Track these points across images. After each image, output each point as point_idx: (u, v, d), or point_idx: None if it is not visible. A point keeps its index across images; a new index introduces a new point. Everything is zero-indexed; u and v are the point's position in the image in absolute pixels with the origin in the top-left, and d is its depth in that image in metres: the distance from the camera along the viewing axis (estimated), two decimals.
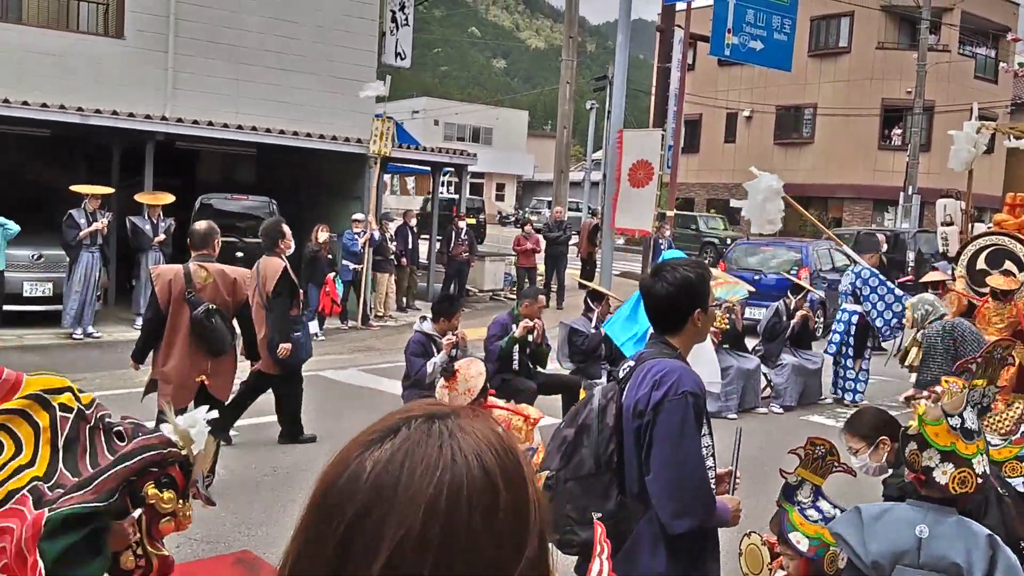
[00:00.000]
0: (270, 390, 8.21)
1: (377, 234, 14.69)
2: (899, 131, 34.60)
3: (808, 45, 34.76)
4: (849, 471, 3.96)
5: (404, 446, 0.94)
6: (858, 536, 3.09)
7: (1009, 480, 4.06)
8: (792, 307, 11.29)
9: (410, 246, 16.71)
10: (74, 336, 12.15)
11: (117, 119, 13.40)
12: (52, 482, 2.81)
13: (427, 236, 18.73)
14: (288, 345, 7.75)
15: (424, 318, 8.02)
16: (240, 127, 14.67)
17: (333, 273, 13.61)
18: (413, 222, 17.12)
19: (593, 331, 9.08)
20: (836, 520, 3.31)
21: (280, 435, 8.21)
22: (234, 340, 6.53)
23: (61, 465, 2.90)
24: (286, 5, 15.75)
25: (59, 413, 2.92)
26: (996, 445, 4.57)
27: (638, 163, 12.71)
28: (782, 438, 8.54)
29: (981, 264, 9.33)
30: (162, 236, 12.74)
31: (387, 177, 27.18)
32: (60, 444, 2.91)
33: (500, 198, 55.58)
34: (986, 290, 9.08)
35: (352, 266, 14.53)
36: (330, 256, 13.68)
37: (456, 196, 23.35)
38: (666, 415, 2.92)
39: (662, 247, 15.65)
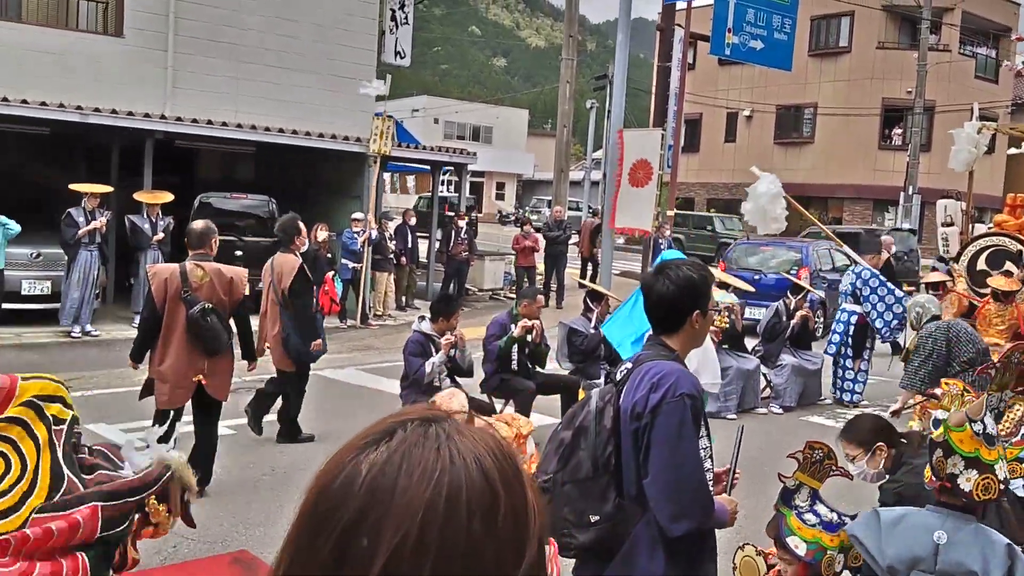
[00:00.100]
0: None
1: (376, 233, 14.67)
2: (899, 131, 34.60)
3: (808, 44, 34.75)
4: (846, 475, 3.94)
5: (401, 448, 0.92)
6: (875, 540, 3.07)
7: (1010, 482, 4.05)
8: (792, 307, 11.27)
9: (409, 245, 16.70)
10: (72, 334, 12.14)
11: (116, 118, 13.39)
12: (62, 490, 2.87)
13: (426, 234, 18.70)
14: (319, 341, 7.98)
15: (423, 318, 8.01)
16: (239, 126, 14.65)
17: (332, 272, 13.58)
18: (413, 221, 17.11)
19: (592, 331, 9.06)
20: (853, 522, 3.29)
21: (279, 434, 8.20)
22: (230, 339, 6.51)
23: (67, 472, 2.94)
24: (286, 4, 15.73)
25: (53, 426, 2.96)
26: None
27: (638, 162, 12.69)
28: (781, 439, 8.53)
29: (981, 265, 9.33)
30: (161, 235, 12.72)
31: (387, 176, 27.18)
32: (60, 455, 2.94)
33: (500, 197, 55.54)
34: (986, 291, 9.08)
35: (351, 265, 14.52)
36: (329, 255, 13.66)
37: (456, 195, 23.35)
38: (664, 417, 2.91)
39: (662, 247, 15.63)
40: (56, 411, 2.97)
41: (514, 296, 15.63)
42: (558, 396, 8.79)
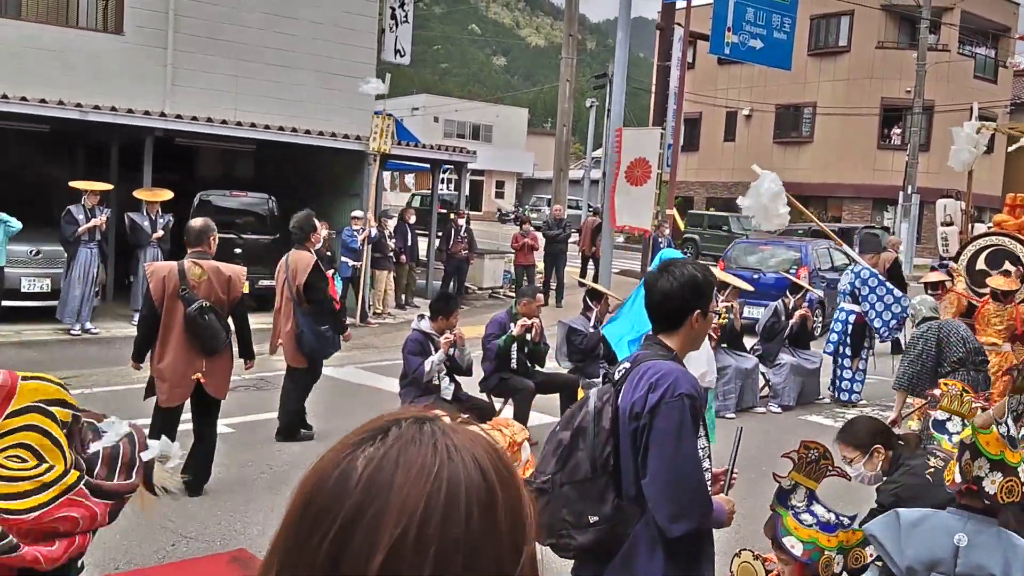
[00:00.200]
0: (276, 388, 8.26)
1: (375, 231, 14.66)
2: (898, 130, 34.61)
3: (808, 44, 34.75)
4: (843, 475, 3.94)
5: (397, 444, 0.91)
6: (895, 540, 3.07)
7: None
8: (791, 307, 11.27)
9: (409, 243, 16.69)
10: (72, 332, 12.13)
11: (116, 115, 13.38)
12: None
13: (423, 231, 18.69)
14: (349, 332, 8.38)
15: (422, 316, 8.01)
16: (239, 123, 14.64)
17: (332, 270, 13.55)
18: (412, 219, 17.10)
19: (592, 330, 9.05)
20: (872, 522, 3.28)
21: (277, 432, 8.20)
22: (229, 338, 6.50)
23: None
24: (286, 2, 15.72)
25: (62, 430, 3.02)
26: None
27: (636, 161, 12.68)
28: (780, 438, 8.53)
29: (981, 264, 9.33)
30: (160, 232, 12.71)
31: (386, 174, 27.14)
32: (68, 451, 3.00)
33: (500, 195, 55.50)
34: (986, 290, 9.08)
35: (351, 263, 14.51)
36: (329, 253, 13.64)
37: (456, 193, 23.31)
38: (663, 418, 2.90)
39: (661, 245, 15.64)
40: (61, 415, 2.98)
41: (513, 294, 15.63)
42: (557, 395, 8.79)
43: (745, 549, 3.96)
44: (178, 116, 14.05)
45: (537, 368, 8.70)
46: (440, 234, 18.40)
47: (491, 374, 8.36)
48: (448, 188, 35.71)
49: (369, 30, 17.08)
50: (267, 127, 14.83)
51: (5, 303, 12.05)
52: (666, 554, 2.97)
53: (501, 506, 0.90)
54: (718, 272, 11.05)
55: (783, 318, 11.13)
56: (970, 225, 11.43)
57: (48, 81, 13.37)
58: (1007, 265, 9.12)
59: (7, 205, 11.54)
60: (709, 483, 3.07)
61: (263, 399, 9.68)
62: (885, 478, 4.25)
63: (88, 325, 12.25)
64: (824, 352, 11.44)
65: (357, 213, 14.62)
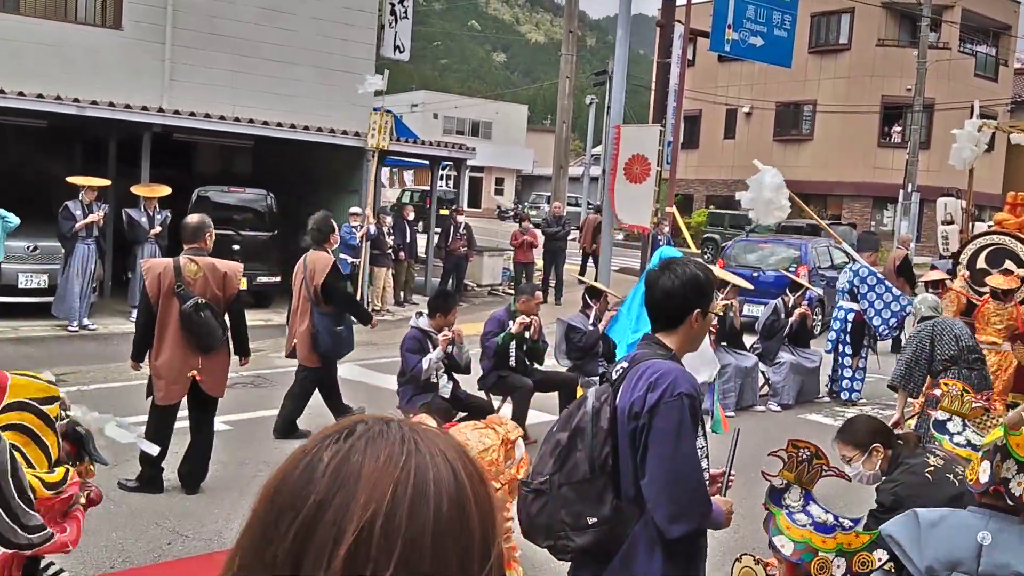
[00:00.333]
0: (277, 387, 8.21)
1: (374, 228, 14.62)
2: (899, 128, 34.57)
3: (808, 41, 34.70)
4: (842, 476, 3.91)
5: (364, 437, 0.90)
6: (913, 540, 3.03)
7: None
8: (791, 305, 11.24)
9: (408, 240, 16.66)
10: (70, 328, 12.10)
11: (114, 110, 13.33)
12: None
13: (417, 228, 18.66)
14: (375, 319, 8.57)
15: (420, 314, 7.98)
16: (238, 119, 14.59)
17: None
18: (411, 216, 17.06)
19: (591, 328, 9.03)
20: (889, 522, 3.24)
21: (274, 429, 8.17)
22: (225, 335, 6.46)
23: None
24: None
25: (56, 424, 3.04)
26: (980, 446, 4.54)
27: (634, 158, 12.64)
28: (779, 437, 8.49)
29: (981, 263, 9.29)
30: (158, 228, 12.68)
31: (385, 170, 27.11)
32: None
33: (499, 192, 55.48)
34: (986, 289, 9.05)
35: (350, 260, 14.47)
36: None
37: (455, 190, 23.27)
38: (662, 417, 2.87)
39: (660, 243, 15.60)
40: (51, 411, 2.99)
41: (512, 292, 15.60)
42: (556, 393, 8.76)
43: (746, 554, 3.93)
44: (176, 112, 14.01)
45: (536, 366, 8.67)
46: (439, 231, 18.37)
47: (489, 372, 8.33)
48: (447, 185, 35.67)
49: (368, 26, 17.03)
50: (265, 123, 14.78)
51: (2, 299, 12.02)
52: (665, 555, 2.95)
53: (471, 500, 0.88)
54: (718, 270, 11.01)
55: (783, 316, 11.10)
56: (971, 224, 11.40)
57: (46, 76, 13.32)
58: (1008, 264, 9.09)
59: (4, 201, 11.49)
60: (707, 484, 3.05)
61: (261, 396, 9.65)
62: (884, 477, 4.22)
63: (85, 321, 12.22)
64: (826, 352, 11.41)
65: (355, 210, 14.59)
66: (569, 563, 3.19)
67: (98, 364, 10.46)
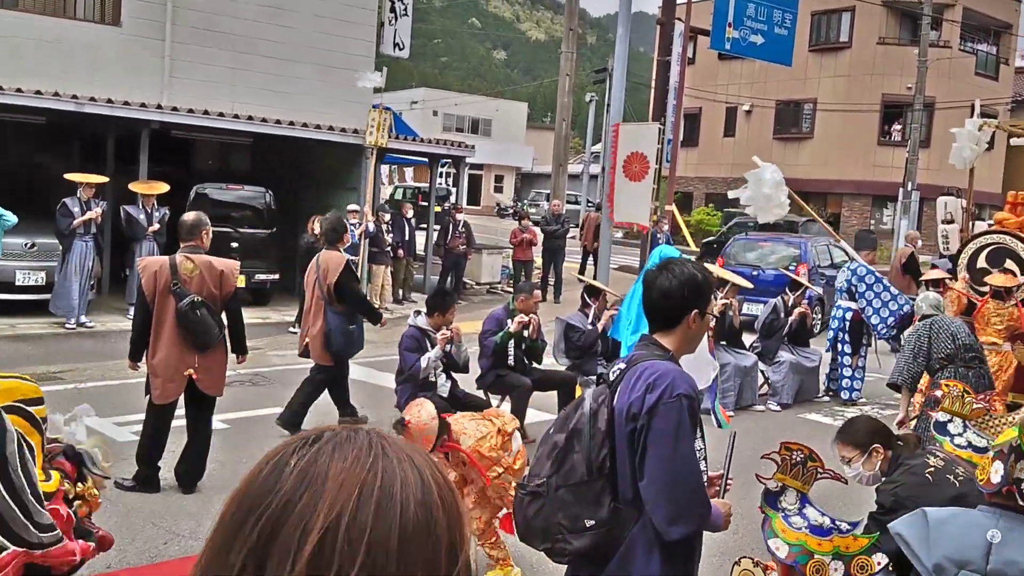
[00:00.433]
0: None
1: (372, 225, 14.59)
2: (899, 127, 34.53)
3: (809, 40, 34.67)
4: (837, 478, 3.87)
5: (332, 440, 0.89)
6: (921, 538, 3.01)
7: None
8: (790, 304, 11.21)
9: (407, 238, 16.62)
10: (67, 326, 12.07)
11: (112, 107, 13.30)
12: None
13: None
14: (385, 318, 8.65)
15: (418, 312, 7.96)
16: (236, 116, 14.56)
17: None
18: (410, 214, 17.03)
19: (590, 327, 9.00)
20: (898, 520, 3.22)
21: (279, 417, 8.15)
22: (222, 333, 6.43)
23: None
24: None
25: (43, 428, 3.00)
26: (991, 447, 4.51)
27: (633, 156, 12.59)
28: (779, 436, 8.46)
29: (982, 263, 9.27)
30: (156, 226, 12.66)
31: (384, 168, 27.07)
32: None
33: (499, 190, 55.44)
34: (986, 288, 9.03)
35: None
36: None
37: (443, 186, 23.23)
38: (661, 419, 2.85)
39: (659, 241, 15.57)
40: (38, 412, 2.96)
41: (511, 290, 15.57)
42: (555, 392, 8.74)
43: (745, 557, 3.91)
44: (175, 108, 13.97)
45: (534, 365, 8.64)
46: (437, 227, 18.34)
47: (488, 371, 8.31)
48: (447, 183, 35.63)
49: (368, 23, 17.01)
50: (264, 120, 14.75)
51: (0, 296, 11.98)
52: (663, 557, 2.93)
53: (438, 506, 0.87)
54: (717, 269, 10.99)
55: (782, 315, 11.06)
56: (971, 223, 11.38)
57: (45, 72, 13.29)
58: (1008, 263, 9.07)
59: (3, 198, 11.46)
60: (706, 486, 3.03)
61: (259, 395, 9.62)
62: (884, 478, 4.20)
63: (83, 319, 12.20)
64: (826, 352, 11.39)
65: (354, 207, 14.55)
66: (566, 566, 3.17)
67: (96, 362, 10.43)
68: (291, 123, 14.98)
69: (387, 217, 15.96)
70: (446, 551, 0.86)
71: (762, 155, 11.04)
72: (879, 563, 3.43)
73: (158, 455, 6.51)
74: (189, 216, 6.51)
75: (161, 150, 14.41)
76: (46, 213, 12.24)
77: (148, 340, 6.34)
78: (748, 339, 11.29)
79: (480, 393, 8.34)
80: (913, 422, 7.55)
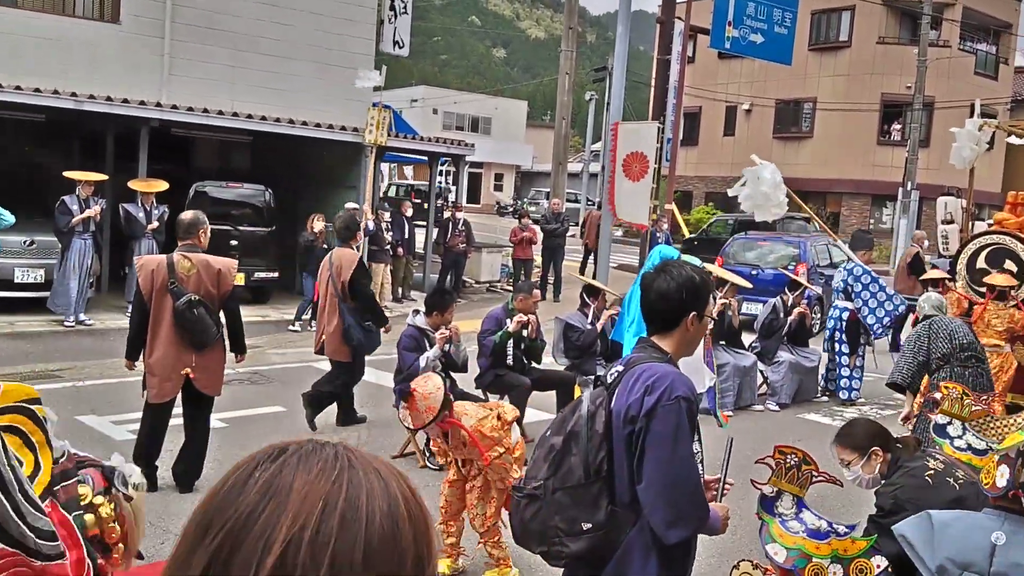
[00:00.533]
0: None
1: (372, 224, 14.57)
2: (898, 126, 34.52)
3: (808, 39, 34.64)
4: (833, 480, 3.86)
5: (297, 453, 0.89)
6: (926, 541, 3.00)
7: None
8: (790, 304, 11.20)
9: (406, 236, 16.61)
10: (66, 323, 12.06)
11: (111, 105, 13.28)
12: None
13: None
14: (389, 324, 8.51)
15: (417, 312, 7.95)
16: (236, 114, 14.54)
17: None
18: (409, 212, 17.01)
19: (589, 326, 8.99)
20: (903, 522, 3.21)
21: (308, 399, 8.32)
22: (219, 332, 6.41)
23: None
24: None
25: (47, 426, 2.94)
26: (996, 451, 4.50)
27: (632, 155, 12.58)
28: (778, 436, 8.47)
29: (981, 263, 9.26)
30: (155, 223, 12.65)
31: (384, 166, 27.04)
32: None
33: (498, 188, 55.43)
34: (984, 289, 9.02)
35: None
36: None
37: (435, 184, 23.15)
38: (659, 421, 2.84)
39: (659, 240, 15.56)
40: (40, 411, 2.94)
41: (511, 289, 15.56)
42: (553, 392, 8.72)
43: (744, 560, 3.90)
44: (174, 106, 13.95)
45: (533, 365, 8.63)
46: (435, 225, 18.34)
47: (487, 370, 8.30)
48: (447, 181, 35.59)
49: (368, 21, 16.98)
50: (264, 118, 14.73)
51: None
52: (660, 560, 2.92)
53: (405, 518, 0.87)
54: (716, 269, 10.98)
55: (781, 315, 11.05)
56: (971, 223, 11.37)
57: (44, 70, 13.27)
58: (1008, 263, 9.05)
59: (1, 195, 11.44)
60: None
61: (257, 393, 9.61)
62: (884, 481, 4.19)
63: (82, 316, 12.19)
64: (824, 351, 11.38)
65: (350, 205, 14.49)
66: (562, 569, 3.16)
67: (94, 360, 10.42)
68: (290, 121, 14.96)
69: (386, 215, 15.94)
70: (412, 564, 0.86)
71: (762, 154, 11.02)
72: (878, 566, 3.42)
73: (156, 454, 6.50)
74: (186, 215, 6.50)
75: (160, 148, 14.40)
76: (45, 211, 12.23)
77: (145, 339, 6.32)
78: (747, 339, 11.28)
79: (479, 393, 8.32)
80: (912, 421, 7.55)
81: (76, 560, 2.52)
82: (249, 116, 14.61)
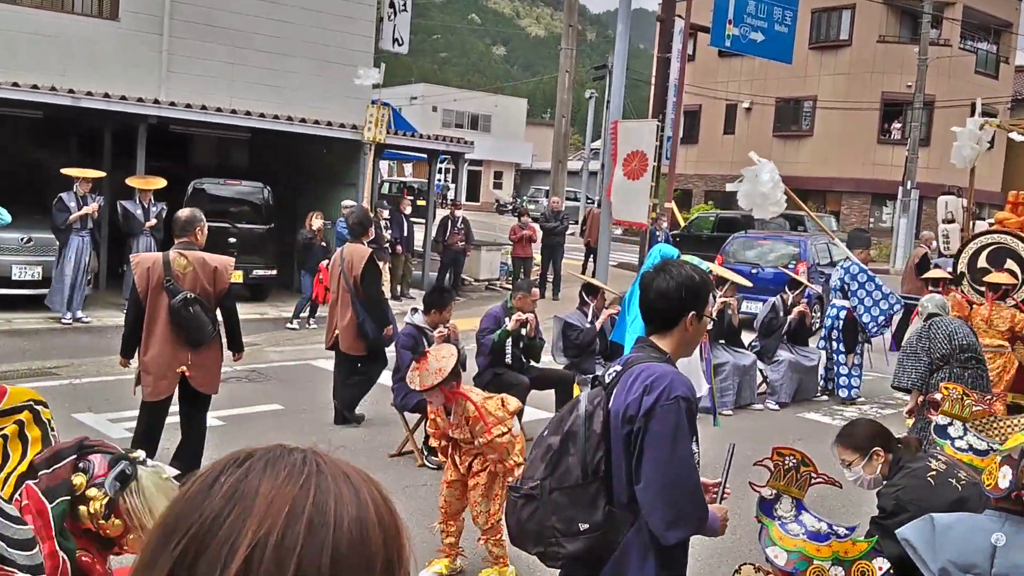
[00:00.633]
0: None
1: None
2: (899, 125, 34.51)
3: (809, 37, 34.62)
4: (832, 482, 3.83)
5: (264, 458, 0.87)
6: (928, 544, 2.98)
7: None
8: (789, 302, 11.17)
9: (405, 233, 16.57)
10: (63, 321, 12.03)
11: (109, 101, 13.23)
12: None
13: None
14: (391, 328, 8.39)
15: (415, 310, 7.93)
16: (234, 111, 14.51)
17: (326, 261, 13.44)
18: (408, 210, 16.97)
19: (588, 325, 8.96)
20: (906, 526, 3.19)
21: (336, 418, 8.48)
22: (216, 330, 6.37)
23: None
24: None
25: (49, 428, 2.90)
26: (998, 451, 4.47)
27: (632, 154, 12.56)
28: (777, 435, 8.44)
29: (983, 262, 9.23)
30: (153, 221, 12.60)
31: (384, 163, 27.02)
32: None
33: (498, 186, 55.41)
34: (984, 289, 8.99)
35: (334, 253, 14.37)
36: (324, 244, 13.55)
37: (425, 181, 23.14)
38: (658, 421, 2.81)
39: (659, 239, 15.53)
40: (44, 413, 2.92)
41: (510, 287, 15.53)
42: (552, 391, 8.69)
43: (746, 564, 3.87)
44: (172, 103, 13.91)
45: (532, 363, 8.59)
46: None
47: (485, 369, 8.26)
48: (445, 178, 35.56)
49: (367, 18, 16.95)
50: (262, 115, 14.69)
51: None
52: (658, 562, 2.89)
53: (375, 524, 0.85)
54: (716, 267, 10.95)
55: (781, 314, 11.02)
56: (972, 222, 11.34)
57: (42, 67, 13.24)
58: (1009, 263, 9.03)
59: None
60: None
61: (255, 391, 9.58)
62: (885, 482, 4.16)
63: (79, 314, 12.15)
64: (818, 347, 11.36)
65: (348, 202, 14.41)
66: (559, 570, 3.13)
67: (92, 357, 10.39)
68: (289, 118, 14.92)
69: (385, 213, 15.90)
70: (382, 569, 0.84)
71: (762, 152, 10.99)
72: (880, 568, 3.39)
73: (152, 452, 6.45)
74: (183, 212, 6.46)
75: (158, 145, 14.36)
76: (43, 208, 12.20)
77: (140, 336, 6.29)
78: (747, 338, 11.25)
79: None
80: (910, 421, 7.52)
81: (48, 552, 2.43)
82: (248, 113, 14.57)
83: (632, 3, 13.90)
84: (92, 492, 2.65)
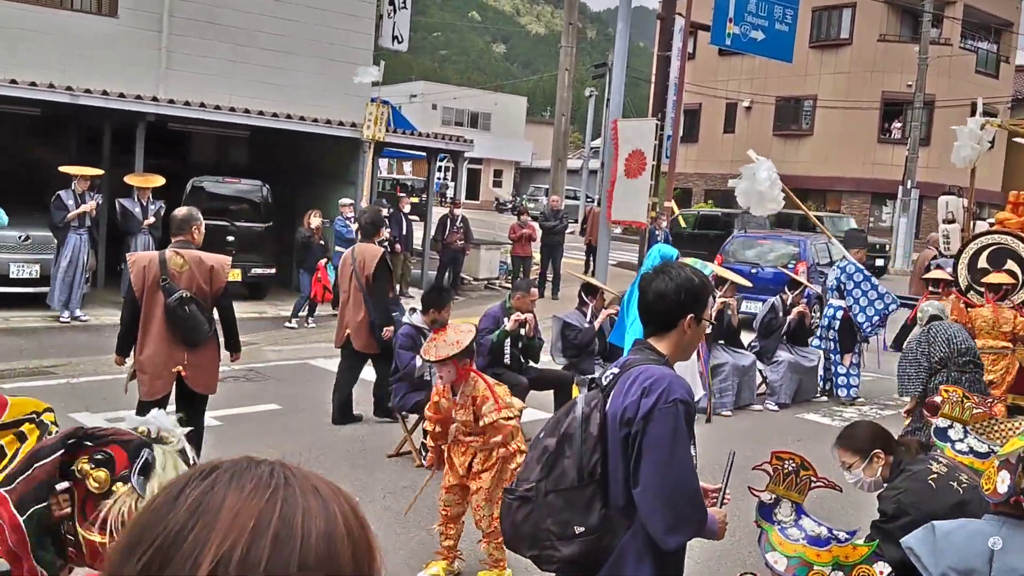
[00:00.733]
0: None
1: None
2: (899, 124, 34.49)
3: (809, 36, 34.60)
4: (832, 486, 3.80)
5: (230, 470, 0.86)
6: (929, 550, 2.97)
7: None
8: (789, 303, 11.13)
9: (404, 232, 16.55)
10: (61, 319, 12.00)
11: (108, 99, 13.20)
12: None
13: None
14: (391, 328, 8.27)
15: (413, 310, 7.91)
16: (233, 109, 14.47)
17: (325, 260, 13.43)
18: (407, 208, 16.94)
19: (587, 325, 8.94)
20: (909, 535, 3.17)
21: (375, 411, 8.60)
22: (212, 329, 6.33)
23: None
24: None
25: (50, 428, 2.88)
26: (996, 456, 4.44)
27: (633, 153, 12.53)
28: (777, 436, 8.42)
29: (983, 263, 9.20)
30: (152, 219, 12.57)
31: (383, 161, 26.99)
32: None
33: (498, 184, 55.37)
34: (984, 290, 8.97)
35: (345, 252, 14.34)
36: (322, 242, 13.52)
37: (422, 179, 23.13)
38: (657, 424, 2.78)
39: (658, 238, 15.50)
40: (48, 418, 2.91)
41: (509, 286, 15.50)
42: (551, 391, 8.67)
43: (746, 573, 3.84)
44: (171, 101, 13.88)
45: (531, 364, 8.57)
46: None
47: (484, 369, 8.21)
48: (447, 177, 35.53)
49: (367, 16, 16.92)
50: (261, 113, 14.66)
51: None
52: (654, 566, 2.86)
53: (344, 537, 0.83)
54: (716, 267, 10.93)
55: (781, 314, 10.99)
56: (972, 223, 11.30)
57: (40, 64, 13.21)
58: (1010, 264, 9.00)
59: None
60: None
61: (253, 391, 9.55)
62: (886, 485, 4.13)
63: (77, 312, 12.13)
64: (816, 347, 11.33)
65: (346, 200, 14.37)
66: (554, 574, 3.10)
67: (90, 355, 10.36)
68: (288, 116, 14.89)
69: (384, 212, 15.86)
70: None
71: (762, 151, 10.96)
72: (881, 572, 3.36)
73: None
74: (180, 211, 6.43)
75: (157, 143, 14.34)
76: (41, 206, 12.17)
77: (136, 335, 6.26)
78: (746, 338, 11.22)
79: None
80: (907, 421, 7.50)
81: (28, 570, 2.38)
82: (247, 111, 14.54)
83: (632, 1, 13.86)
84: (119, 487, 2.52)
